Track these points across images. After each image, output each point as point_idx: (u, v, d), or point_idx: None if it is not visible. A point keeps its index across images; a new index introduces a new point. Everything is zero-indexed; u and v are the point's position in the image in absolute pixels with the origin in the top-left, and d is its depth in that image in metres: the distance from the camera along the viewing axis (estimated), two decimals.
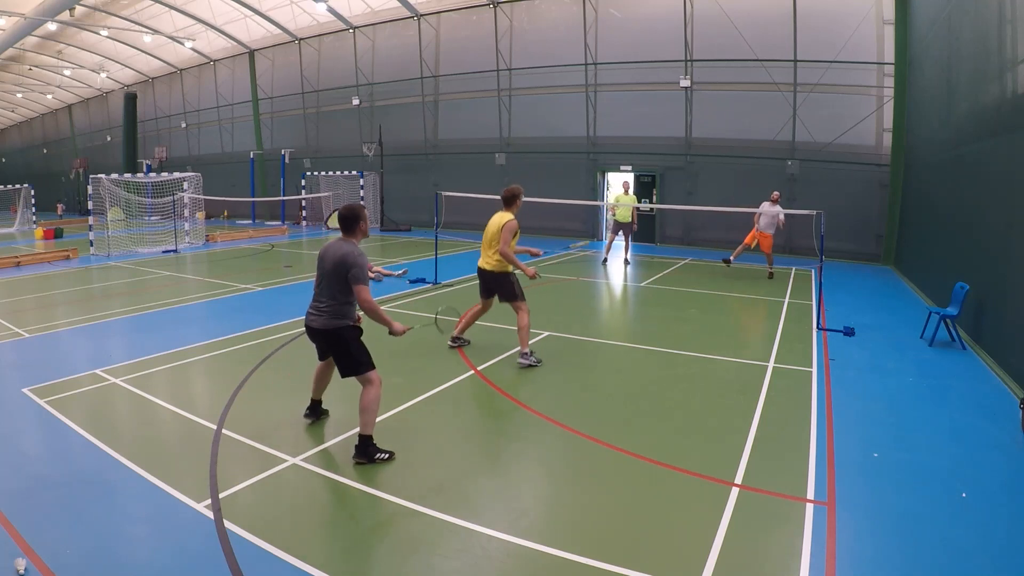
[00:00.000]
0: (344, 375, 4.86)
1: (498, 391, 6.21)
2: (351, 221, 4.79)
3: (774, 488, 4.29)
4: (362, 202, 24.78)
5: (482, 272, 7.37)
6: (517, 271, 7.19)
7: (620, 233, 15.41)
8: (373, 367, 4.82)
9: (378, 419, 5.40)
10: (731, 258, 13.69)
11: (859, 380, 6.68)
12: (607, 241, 15.85)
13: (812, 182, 17.03)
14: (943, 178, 10.83)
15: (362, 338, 4.90)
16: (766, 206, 13.23)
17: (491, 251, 7.21)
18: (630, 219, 15.16)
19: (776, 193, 13.56)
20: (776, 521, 3.93)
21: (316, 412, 5.46)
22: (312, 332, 4.92)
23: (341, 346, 4.79)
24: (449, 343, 7.68)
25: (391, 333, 4.92)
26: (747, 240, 13.46)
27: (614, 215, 15.42)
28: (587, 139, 20.81)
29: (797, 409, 5.80)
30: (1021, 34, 6.95)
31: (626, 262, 15.33)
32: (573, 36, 20.45)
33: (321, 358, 5.22)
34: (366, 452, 4.65)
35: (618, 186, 21.98)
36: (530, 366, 6.96)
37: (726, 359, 7.45)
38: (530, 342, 7.96)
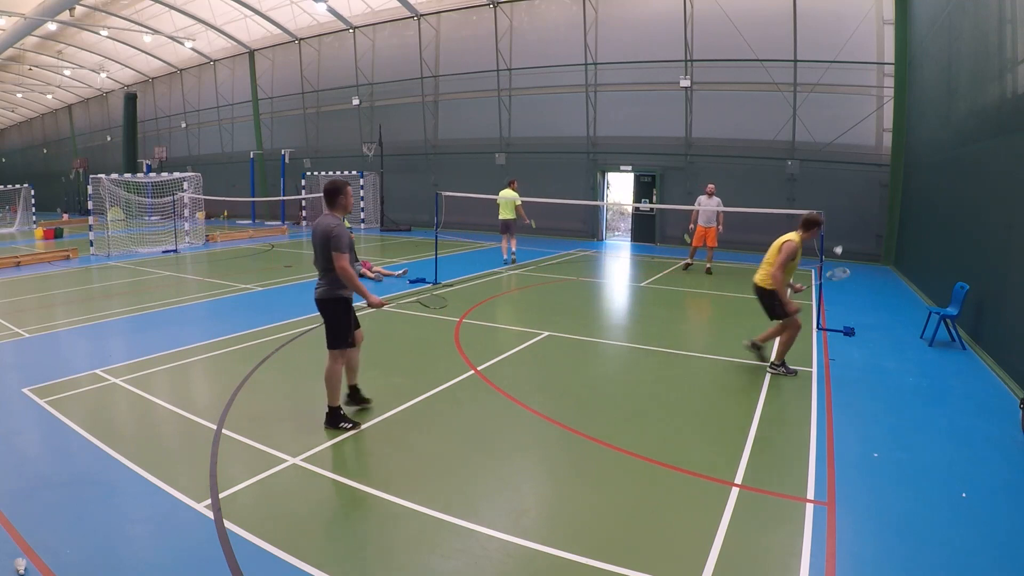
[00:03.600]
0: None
1: (498, 391, 6.21)
2: (332, 195, 5.12)
3: (774, 488, 4.30)
4: (362, 202, 24.83)
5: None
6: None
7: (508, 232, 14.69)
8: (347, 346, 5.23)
9: (379, 419, 5.45)
10: (690, 261, 14.04)
11: (859, 380, 6.68)
12: (503, 244, 14.93)
13: (812, 182, 17.03)
14: (943, 178, 10.83)
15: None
16: (703, 199, 13.25)
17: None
18: (514, 216, 14.49)
19: (711, 185, 13.49)
20: (776, 521, 3.93)
21: (356, 400, 5.64)
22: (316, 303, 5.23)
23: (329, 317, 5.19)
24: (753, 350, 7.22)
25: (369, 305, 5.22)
26: (694, 242, 13.50)
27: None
28: (587, 139, 20.81)
29: (797, 409, 5.79)
30: (1021, 34, 6.95)
31: (512, 261, 14.72)
32: (573, 36, 20.45)
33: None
34: (331, 421, 5.21)
35: (618, 185, 22.15)
36: (787, 374, 6.71)
37: (726, 359, 7.45)
38: (529, 342, 7.97)
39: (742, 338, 8.37)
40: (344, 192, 5.11)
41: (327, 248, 4.96)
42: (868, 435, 5.25)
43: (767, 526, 3.86)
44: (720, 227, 13.47)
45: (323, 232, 4.98)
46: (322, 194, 5.15)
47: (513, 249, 14.91)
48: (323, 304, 5.13)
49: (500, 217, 14.69)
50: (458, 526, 3.80)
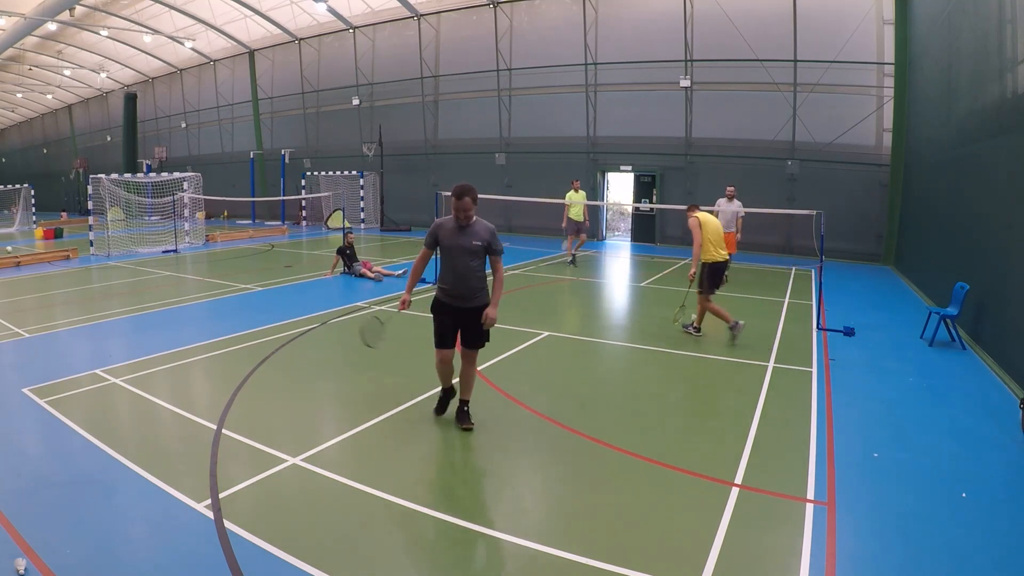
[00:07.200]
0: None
1: (498, 391, 6.21)
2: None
3: (774, 488, 4.29)
4: (362, 202, 24.84)
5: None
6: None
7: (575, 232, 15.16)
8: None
9: (378, 419, 5.46)
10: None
11: (859, 380, 6.68)
12: (567, 244, 15.43)
13: (812, 182, 17.03)
14: (943, 178, 10.83)
15: None
16: (723, 203, 12.56)
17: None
18: (583, 218, 15.13)
19: (731, 188, 12.79)
20: (776, 521, 3.93)
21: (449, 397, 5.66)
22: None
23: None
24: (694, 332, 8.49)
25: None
26: None
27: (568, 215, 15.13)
28: (587, 139, 20.81)
29: (797, 409, 5.79)
30: (1021, 34, 6.95)
31: (573, 261, 15.10)
32: (573, 36, 20.45)
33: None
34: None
35: (618, 186, 22.14)
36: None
37: (726, 359, 7.45)
38: (529, 342, 7.97)
39: (739, 338, 8.38)
40: (450, 200, 5.41)
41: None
42: (868, 435, 5.25)
43: (767, 526, 3.86)
44: (739, 234, 12.65)
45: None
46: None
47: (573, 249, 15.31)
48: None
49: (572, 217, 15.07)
50: (458, 526, 3.80)
